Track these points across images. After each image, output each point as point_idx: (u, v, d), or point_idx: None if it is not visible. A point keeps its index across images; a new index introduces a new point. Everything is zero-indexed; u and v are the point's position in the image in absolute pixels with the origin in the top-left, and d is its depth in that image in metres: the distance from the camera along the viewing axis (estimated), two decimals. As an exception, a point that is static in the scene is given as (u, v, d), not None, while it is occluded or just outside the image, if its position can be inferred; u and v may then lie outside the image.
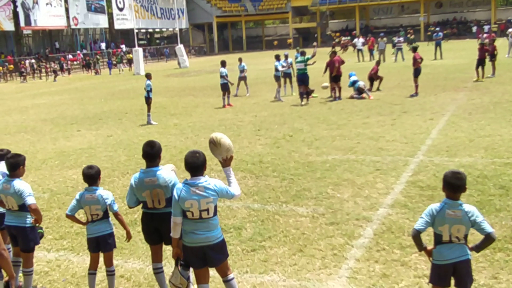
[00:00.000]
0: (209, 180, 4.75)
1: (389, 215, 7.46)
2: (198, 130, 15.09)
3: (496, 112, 14.58)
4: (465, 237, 4.35)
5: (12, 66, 47.44)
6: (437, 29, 43.49)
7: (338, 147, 11.77)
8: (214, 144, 4.95)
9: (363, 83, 19.93)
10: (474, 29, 65.25)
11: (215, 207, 4.78)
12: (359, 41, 39.99)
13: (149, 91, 16.88)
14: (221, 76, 20.04)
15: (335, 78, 19.38)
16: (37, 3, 52.09)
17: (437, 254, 4.41)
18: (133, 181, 5.32)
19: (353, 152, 11.21)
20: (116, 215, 5.69)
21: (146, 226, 5.49)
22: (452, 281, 4.47)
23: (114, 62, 51.36)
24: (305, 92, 18.94)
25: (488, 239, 4.34)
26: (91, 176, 5.67)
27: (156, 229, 5.40)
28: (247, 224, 7.53)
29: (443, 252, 4.37)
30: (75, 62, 54.74)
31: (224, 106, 19.66)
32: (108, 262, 5.78)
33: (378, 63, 22.97)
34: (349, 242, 6.67)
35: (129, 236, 5.80)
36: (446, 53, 36.20)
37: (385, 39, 37.78)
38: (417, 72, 19.28)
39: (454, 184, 4.31)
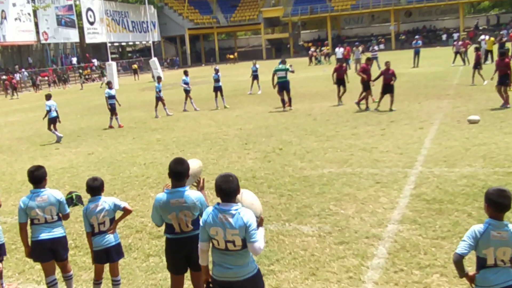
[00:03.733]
0: (242, 211, 4.24)
1: (400, 231, 7.12)
2: (183, 145, 14.62)
3: (485, 119, 14.42)
4: (511, 260, 4.01)
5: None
6: (416, 37, 43.64)
7: (332, 159, 11.43)
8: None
9: None
10: (444, 37, 66.17)
11: (243, 240, 4.22)
12: (340, 50, 39.90)
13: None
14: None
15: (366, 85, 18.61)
16: (5, 18, 50.93)
17: (481, 279, 4.05)
18: (157, 203, 4.92)
19: (349, 164, 10.89)
20: (125, 209, 5.80)
21: (172, 253, 5.06)
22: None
23: (87, 77, 50.57)
24: (289, 99, 19.94)
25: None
26: (96, 188, 5.69)
27: (184, 256, 4.99)
28: (251, 246, 7.09)
29: (488, 277, 4.02)
30: (45, 78, 53.55)
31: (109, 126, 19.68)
32: (115, 272, 5.86)
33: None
34: (363, 263, 6.30)
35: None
36: (420, 61, 36.41)
37: (360, 48, 37.76)
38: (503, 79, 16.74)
39: (500, 204, 3.96)
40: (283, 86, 19.84)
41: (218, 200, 4.35)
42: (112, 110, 19.64)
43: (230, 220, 4.19)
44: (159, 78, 22.40)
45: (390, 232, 7.13)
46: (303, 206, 8.51)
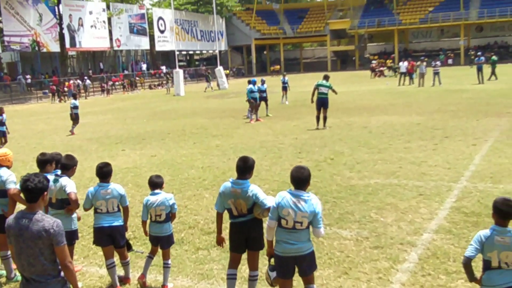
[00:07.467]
0: (313, 199, 5.08)
1: (434, 240, 7.50)
2: (240, 152, 15.31)
3: (541, 138, 14.39)
4: (515, 263, 4.42)
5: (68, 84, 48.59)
6: (479, 53, 43.02)
7: (380, 171, 11.83)
8: None
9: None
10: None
11: (309, 222, 5.05)
12: (404, 64, 39.83)
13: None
14: None
15: None
16: (82, 25, 53.84)
17: (486, 280, 4.48)
18: (222, 189, 5.82)
19: (396, 176, 11.26)
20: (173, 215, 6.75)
21: (234, 235, 5.88)
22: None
23: (157, 83, 52.59)
24: (324, 118, 18.91)
25: (538, 267, 4.40)
26: (156, 184, 6.73)
27: (244, 237, 5.80)
28: (292, 245, 7.66)
29: (492, 278, 4.44)
30: (116, 83, 56.06)
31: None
32: (166, 257, 6.64)
33: None
34: (394, 266, 6.74)
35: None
36: (487, 78, 35.92)
37: (425, 63, 37.54)
38: None
39: (504, 211, 4.39)
40: (322, 103, 18.81)
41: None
42: (75, 119, 22.13)
43: (303, 204, 5.03)
44: (253, 82, 23.46)
45: (424, 240, 7.52)
46: (345, 213, 9.00)
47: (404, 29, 75.19)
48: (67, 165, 6.67)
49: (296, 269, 5.32)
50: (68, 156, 6.85)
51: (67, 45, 52.90)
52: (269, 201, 5.58)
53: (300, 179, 5.12)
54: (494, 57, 38.79)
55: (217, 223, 6.05)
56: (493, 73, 36.90)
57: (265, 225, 5.42)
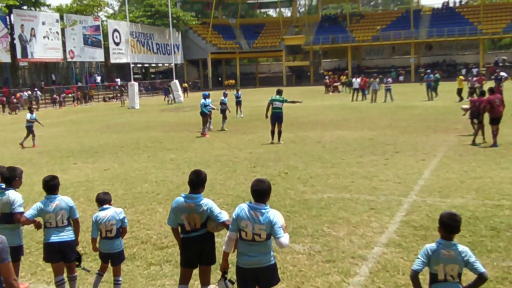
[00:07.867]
0: (271, 211, 5.08)
1: (384, 254, 7.65)
2: (194, 166, 15.24)
3: (486, 154, 14.94)
4: (459, 275, 4.56)
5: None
6: (428, 71, 44.54)
7: (333, 185, 12.00)
8: None
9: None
10: (463, 71, 66.55)
11: (268, 234, 5.05)
12: (356, 80, 40.72)
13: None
14: None
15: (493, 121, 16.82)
16: (34, 35, 52.64)
17: (433, 293, 4.61)
18: (174, 204, 5.75)
19: (348, 190, 11.45)
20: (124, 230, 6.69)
21: (187, 250, 5.82)
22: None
23: (111, 96, 51.92)
24: (279, 132, 19.03)
25: (481, 279, 4.56)
26: (105, 200, 6.69)
27: (197, 252, 5.74)
28: (245, 260, 7.66)
29: (439, 291, 4.57)
30: (69, 95, 54.98)
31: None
32: (117, 273, 6.59)
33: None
34: (345, 280, 6.83)
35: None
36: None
37: (378, 79, 38.48)
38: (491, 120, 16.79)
39: (449, 225, 4.54)
40: (277, 117, 18.91)
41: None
42: (30, 132, 21.70)
43: (260, 217, 5.04)
44: (206, 96, 23.21)
45: (375, 254, 7.66)
46: (298, 227, 9.07)
47: (357, 46, 77.01)
48: (9, 178, 6.48)
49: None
50: (9, 169, 6.63)
51: (19, 55, 51.59)
52: (224, 215, 5.59)
53: (260, 192, 5.14)
54: (437, 75, 40.01)
55: (175, 237, 6.02)
56: (434, 90, 37.74)
57: (217, 240, 5.41)
